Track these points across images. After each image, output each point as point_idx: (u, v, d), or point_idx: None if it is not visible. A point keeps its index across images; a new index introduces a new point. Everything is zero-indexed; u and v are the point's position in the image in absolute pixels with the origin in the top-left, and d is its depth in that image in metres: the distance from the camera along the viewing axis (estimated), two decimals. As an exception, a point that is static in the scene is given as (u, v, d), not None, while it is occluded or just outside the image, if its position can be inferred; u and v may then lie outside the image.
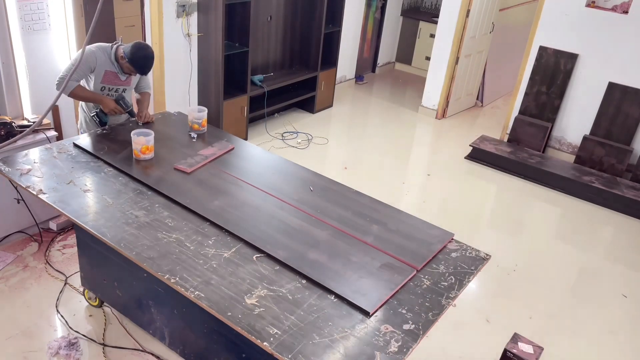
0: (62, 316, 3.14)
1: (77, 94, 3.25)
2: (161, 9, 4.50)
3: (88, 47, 3.21)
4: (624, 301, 3.84)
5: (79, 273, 3.24)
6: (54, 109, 3.94)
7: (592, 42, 5.28)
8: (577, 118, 5.56)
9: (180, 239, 2.41)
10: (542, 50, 5.53)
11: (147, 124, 3.41)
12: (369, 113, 6.76)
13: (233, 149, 3.25)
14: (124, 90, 3.42)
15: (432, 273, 2.39)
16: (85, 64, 3.21)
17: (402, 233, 2.64)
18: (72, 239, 3.74)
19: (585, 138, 5.45)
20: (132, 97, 3.55)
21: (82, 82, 3.31)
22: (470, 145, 5.66)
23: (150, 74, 3.61)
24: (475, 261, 2.52)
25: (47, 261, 3.54)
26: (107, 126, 3.36)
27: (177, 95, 4.97)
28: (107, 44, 3.29)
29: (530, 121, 5.72)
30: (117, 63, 3.28)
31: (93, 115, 3.36)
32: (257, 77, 5.57)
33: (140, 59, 3.21)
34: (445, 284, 2.34)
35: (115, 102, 3.30)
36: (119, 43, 3.29)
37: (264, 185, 2.91)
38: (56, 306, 3.22)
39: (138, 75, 3.45)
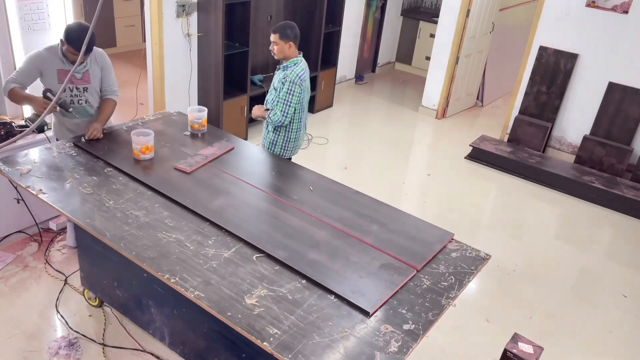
0: (62, 316, 3.14)
1: (14, 96, 3.04)
2: (161, 8, 4.50)
3: (37, 49, 3.10)
4: (624, 301, 3.84)
5: (78, 273, 3.23)
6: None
7: (592, 42, 5.28)
8: (577, 118, 5.57)
9: (180, 239, 2.40)
10: (542, 50, 5.53)
11: (92, 141, 3.10)
12: (369, 113, 6.76)
13: (233, 148, 3.25)
14: (85, 90, 3.19)
15: (432, 273, 2.39)
16: (29, 64, 3.05)
17: (402, 233, 2.64)
18: (72, 239, 3.75)
19: (585, 138, 5.45)
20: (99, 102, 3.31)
21: (36, 87, 3.10)
22: (470, 145, 5.66)
23: (113, 77, 3.29)
24: (475, 261, 2.52)
25: (47, 261, 3.54)
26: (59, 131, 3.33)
27: (177, 95, 4.97)
28: (56, 44, 3.10)
29: (530, 121, 5.72)
30: (64, 57, 3.08)
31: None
32: (257, 77, 5.57)
33: (72, 32, 2.94)
34: (445, 284, 2.34)
35: (43, 98, 3.04)
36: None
37: (264, 185, 2.91)
38: (56, 306, 3.22)
39: (96, 72, 3.20)
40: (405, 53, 8.23)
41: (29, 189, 2.64)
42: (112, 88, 3.31)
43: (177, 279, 2.17)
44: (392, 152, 5.75)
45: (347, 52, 7.08)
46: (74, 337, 3.00)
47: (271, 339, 1.93)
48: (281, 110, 3.38)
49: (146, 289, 2.77)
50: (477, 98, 7.30)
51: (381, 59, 8.04)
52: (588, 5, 5.20)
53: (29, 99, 3.07)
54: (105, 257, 2.86)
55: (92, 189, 2.70)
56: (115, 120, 5.60)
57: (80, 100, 3.21)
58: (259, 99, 5.59)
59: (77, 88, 3.18)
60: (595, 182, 5.08)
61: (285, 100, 3.37)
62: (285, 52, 3.38)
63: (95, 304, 3.22)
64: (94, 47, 3.14)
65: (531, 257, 4.23)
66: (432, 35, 6.93)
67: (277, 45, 3.35)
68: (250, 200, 2.77)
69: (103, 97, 3.29)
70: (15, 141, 3.32)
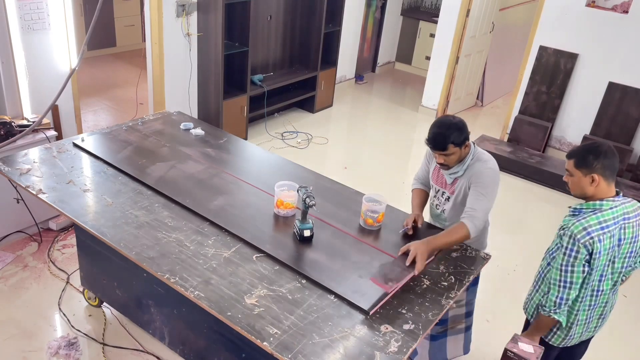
0: (64, 314, 3.14)
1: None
2: (161, 8, 4.49)
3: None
4: (624, 301, 3.84)
5: (78, 273, 3.23)
6: (54, 109, 3.94)
7: (592, 41, 5.28)
8: (577, 118, 5.56)
9: (180, 239, 2.40)
10: (542, 49, 5.53)
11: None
12: (369, 113, 6.75)
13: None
14: (447, 199, 2.68)
15: (432, 273, 2.39)
16: (427, 155, 2.73)
17: (402, 233, 2.63)
18: (71, 239, 3.74)
19: (585, 138, 5.45)
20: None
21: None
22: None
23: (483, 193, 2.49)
24: (475, 261, 2.52)
25: (50, 260, 3.54)
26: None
27: (177, 94, 4.97)
28: None
29: (530, 121, 5.72)
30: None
31: None
32: (257, 77, 5.56)
33: (432, 127, 2.49)
34: (445, 284, 2.34)
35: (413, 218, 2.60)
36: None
37: (264, 185, 2.91)
38: (59, 304, 3.21)
39: (463, 182, 2.57)
40: (405, 53, 8.23)
41: (28, 189, 2.64)
42: (474, 212, 2.47)
43: (177, 278, 2.17)
44: (392, 152, 5.74)
45: (347, 52, 7.08)
46: (74, 336, 2.99)
47: (271, 338, 1.93)
48: (556, 291, 2.21)
49: (146, 288, 2.77)
50: (477, 98, 7.30)
51: (381, 59, 8.03)
52: (588, 5, 5.20)
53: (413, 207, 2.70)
54: (105, 257, 2.86)
55: (92, 188, 2.69)
56: (115, 120, 5.64)
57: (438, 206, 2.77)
58: (259, 99, 5.59)
59: (443, 196, 2.71)
60: (595, 182, 5.08)
61: (560, 273, 2.18)
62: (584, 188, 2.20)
63: (95, 303, 3.21)
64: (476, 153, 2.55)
65: (531, 257, 4.23)
66: (432, 35, 6.92)
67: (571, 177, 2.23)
68: (250, 200, 2.76)
69: (461, 217, 2.51)
70: (14, 141, 3.34)
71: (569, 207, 2.27)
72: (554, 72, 5.53)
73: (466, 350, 2.96)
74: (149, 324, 2.89)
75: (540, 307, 2.32)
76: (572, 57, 5.40)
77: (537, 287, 2.42)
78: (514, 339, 2.85)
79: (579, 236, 2.10)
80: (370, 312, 2.09)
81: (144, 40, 5.62)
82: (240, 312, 2.03)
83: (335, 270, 2.31)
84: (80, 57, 3.30)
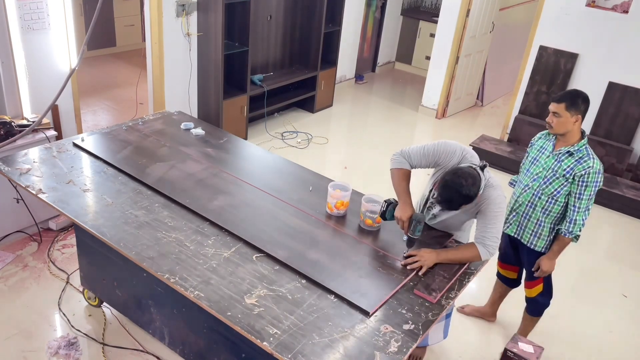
0: (64, 314, 3.14)
1: (394, 176, 2.67)
2: (161, 8, 4.49)
3: (453, 142, 2.60)
4: (624, 301, 3.84)
5: (78, 273, 3.23)
6: (54, 109, 3.94)
7: (592, 41, 5.27)
8: (577, 118, 5.56)
9: (180, 239, 2.40)
10: (542, 49, 5.53)
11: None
12: (369, 113, 6.75)
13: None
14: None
15: (432, 273, 2.39)
16: (440, 153, 2.60)
17: (402, 233, 2.63)
18: (71, 238, 3.74)
19: (585, 138, 5.44)
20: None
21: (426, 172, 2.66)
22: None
23: (491, 215, 2.45)
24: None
25: (50, 260, 3.54)
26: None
27: (177, 94, 4.97)
28: (476, 158, 2.53)
29: (531, 121, 5.72)
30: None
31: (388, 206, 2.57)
32: (257, 77, 5.56)
33: (444, 189, 2.32)
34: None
35: (409, 217, 2.45)
36: (480, 165, 2.45)
37: (264, 185, 2.91)
38: (59, 304, 3.21)
39: (469, 206, 2.45)
40: (405, 53, 8.23)
41: (28, 189, 2.64)
42: (485, 238, 2.45)
43: (176, 278, 2.17)
44: (392, 152, 5.72)
45: (347, 52, 7.08)
46: (74, 336, 2.99)
47: (271, 338, 1.93)
48: (583, 216, 2.75)
49: (146, 288, 2.77)
50: (477, 98, 7.30)
51: (381, 59, 8.03)
52: (588, 5, 5.20)
53: (400, 196, 2.55)
54: (105, 257, 2.86)
55: (92, 188, 2.69)
56: (115, 120, 5.64)
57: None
58: (259, 99, 5.59)
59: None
60: (595, 182, 5.08)
61: (589, 202, 2.72)
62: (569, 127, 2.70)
63: (95, 303, 3.21)
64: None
65: (531, 257, 4.22)
66: (432, 35, 6.92)
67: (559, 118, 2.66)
68: (250, 200, 2.76)
69: (473, 240, 2.51)
70: (14, 141, 3.34)
71: (561, 150, 2.76)
72: (554, 72, 5.53)
73: (445, 335, 3.01)
74: (149, 324, 2.89)
75: (566, 233, 2.75)
76: (572, 57, 5.40)
77: (541, 223, 2.84)
78: (514, 339, 2.85)
79: (601, 168, 2.67)
80: (370, 312, 2.09)
81: (144, 40, 5.62)
82: (240, 312, 2.03)
83: (335, 270, 2.31)
84: (80, 57, 3.29)
